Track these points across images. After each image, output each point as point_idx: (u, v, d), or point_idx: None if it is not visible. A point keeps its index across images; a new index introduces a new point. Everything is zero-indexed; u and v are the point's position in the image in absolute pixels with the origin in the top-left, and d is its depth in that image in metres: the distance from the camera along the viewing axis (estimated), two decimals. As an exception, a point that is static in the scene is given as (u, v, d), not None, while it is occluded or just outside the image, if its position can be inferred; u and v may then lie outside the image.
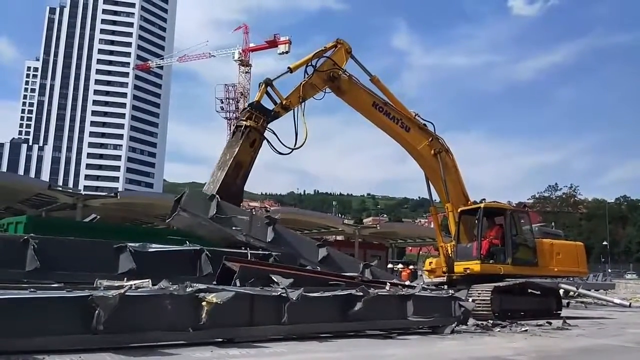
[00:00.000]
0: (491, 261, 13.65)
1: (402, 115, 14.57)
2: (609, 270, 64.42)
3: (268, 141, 12.56)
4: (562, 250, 14.63)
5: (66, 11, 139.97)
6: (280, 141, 12.53)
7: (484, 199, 16.72)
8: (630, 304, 19.85)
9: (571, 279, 16.36)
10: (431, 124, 15.05)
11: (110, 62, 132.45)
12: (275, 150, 12.51)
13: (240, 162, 11.81)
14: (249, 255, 9.88)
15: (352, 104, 14.20)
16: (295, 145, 12.48)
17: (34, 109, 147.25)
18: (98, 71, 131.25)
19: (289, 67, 13.32)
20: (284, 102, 12.63)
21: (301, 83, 12.95)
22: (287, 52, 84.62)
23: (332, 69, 13.37)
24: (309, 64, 13.28)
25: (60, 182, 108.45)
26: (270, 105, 12.70)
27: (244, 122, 12.05)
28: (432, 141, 14.75)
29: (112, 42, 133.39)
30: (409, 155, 15.30)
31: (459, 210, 14.57)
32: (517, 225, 14.42)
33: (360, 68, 14.30)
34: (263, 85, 12.80)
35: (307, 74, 13.16)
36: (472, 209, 14.44)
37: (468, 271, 13.63)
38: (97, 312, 5.53)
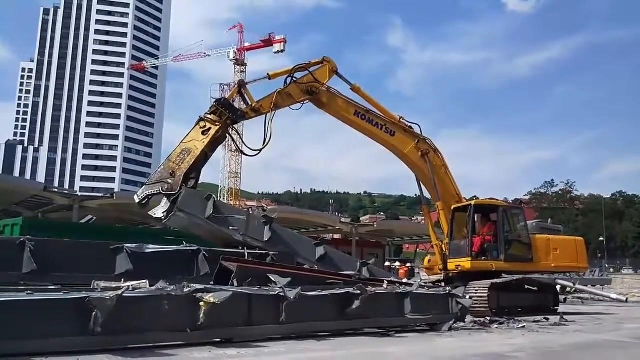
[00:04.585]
0: (483, 258, 13.67)
1: (386, 121, 14.50)
2: (606, 266, 64.57)
3: (233, 139, 12.73)
4: (560, 245, 14.62)
5: (60, 12, 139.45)
6: (244, 142, 12.61)
7: (475, 196, 16.74)
8: (627, 299, 19.91)
9: (569, 274, 16.41)
10: (417, 126, 14.99)
11: (105, 63, 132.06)
12: (239, 150, 12.67)
13: (188, 149, 11.51)
14: (246, 254, 9.87)
15: (334, 115, 14.08)
16: (261, 147, 12.42)
17: (29, 110, 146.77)
18: (93, 72, 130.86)
19: (268, 74, 13.28)
20: (254, 105, 12.62)
21: (277, 90, 12.83)
22: (282, 51, 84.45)
23: (311, 83, 13.28)
24: (290, 74, 13.17)
25: (56, 184, 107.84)
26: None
27: (207, 116, 11.92)
28: (419, 143, 14.70)
29: (106, 43, 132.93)
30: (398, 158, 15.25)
31: (451, 208, 14.61)
32: (510, 221, 14.43)
33: (341, 80, 14.13)
34: (236, 86, 12.98)
35: (286, 84, 13.07)
36: (464, 207, 14.48)
37: (459, 268, 13.67)
38: (94, 313, 5.52)
